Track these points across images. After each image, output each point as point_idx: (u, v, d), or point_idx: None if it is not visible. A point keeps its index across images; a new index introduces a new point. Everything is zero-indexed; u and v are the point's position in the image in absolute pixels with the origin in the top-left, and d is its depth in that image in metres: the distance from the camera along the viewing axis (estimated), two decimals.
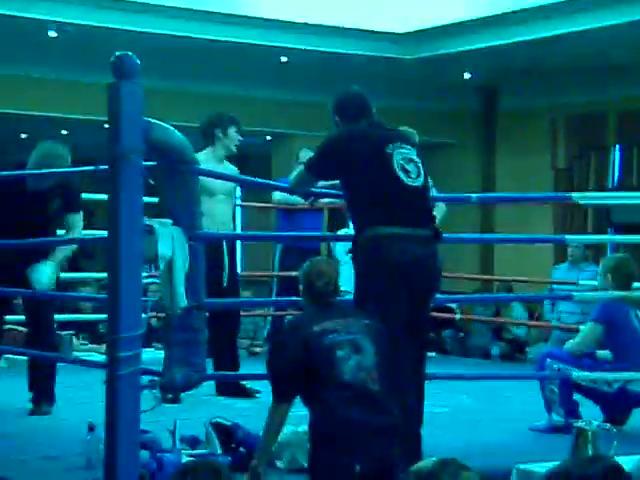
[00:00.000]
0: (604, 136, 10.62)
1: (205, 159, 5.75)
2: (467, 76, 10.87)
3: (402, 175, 4.30)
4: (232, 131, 6.28)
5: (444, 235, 4.49)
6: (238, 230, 9.51)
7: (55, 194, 5.49)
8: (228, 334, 6.29)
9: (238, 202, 8.67)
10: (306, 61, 10.22)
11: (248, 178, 5.84)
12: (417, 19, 9.71)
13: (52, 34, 9.22)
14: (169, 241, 3.98)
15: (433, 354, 9.60)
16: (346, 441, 3.77)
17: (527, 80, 10.87)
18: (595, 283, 6.42)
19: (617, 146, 10.45)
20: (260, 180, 5.64)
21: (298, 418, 4.12)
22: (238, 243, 8.88)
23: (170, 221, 4.07)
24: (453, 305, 10.23)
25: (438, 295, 4.67)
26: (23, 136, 13.80)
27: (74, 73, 10.07)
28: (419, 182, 4.36)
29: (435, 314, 9.66)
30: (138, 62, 3.73)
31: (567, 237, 6.89)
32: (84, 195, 6.57)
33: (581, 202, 6.82)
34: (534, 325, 9.48)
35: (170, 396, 5.67)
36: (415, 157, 4.39)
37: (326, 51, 9.85)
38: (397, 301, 4.24)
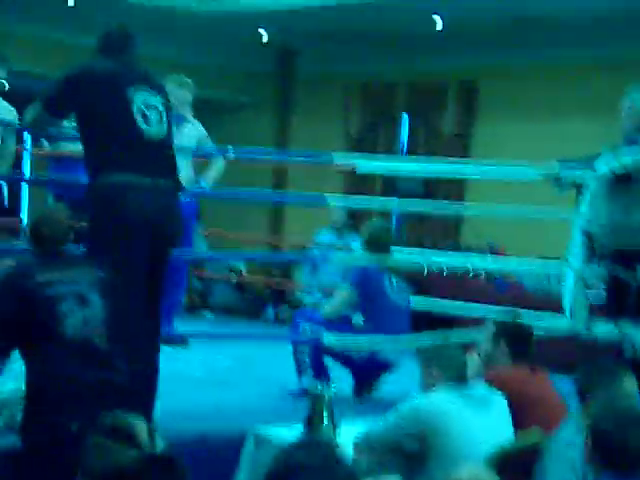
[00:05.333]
0: (394, 106, 10.68)
1: None
2: (265, 36, 10.68)
3: (140, 121, 4.09)
4: None
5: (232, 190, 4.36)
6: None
7: None
8: None
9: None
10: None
11: None
12: None
13: None
14: None
15: (209, 314, 9.55)
16: (62, 398, 3.56)
17: (325, 45, 10.77)
18: None
19: (405, 116, 10.52)
20: None
21: (23, 374, 3.87)
22: None
23: None
24: (241, 265, 10.15)
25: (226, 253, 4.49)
26: None
27: None
28: (159, 130, 4.16)
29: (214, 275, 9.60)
30: None
31: (327, 196, 6.65)
32: None
33: (357, 171, 6.81)
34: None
35: None
36: (159, 105, 4.20)
37: None
38: (132, 252, 4.06)
